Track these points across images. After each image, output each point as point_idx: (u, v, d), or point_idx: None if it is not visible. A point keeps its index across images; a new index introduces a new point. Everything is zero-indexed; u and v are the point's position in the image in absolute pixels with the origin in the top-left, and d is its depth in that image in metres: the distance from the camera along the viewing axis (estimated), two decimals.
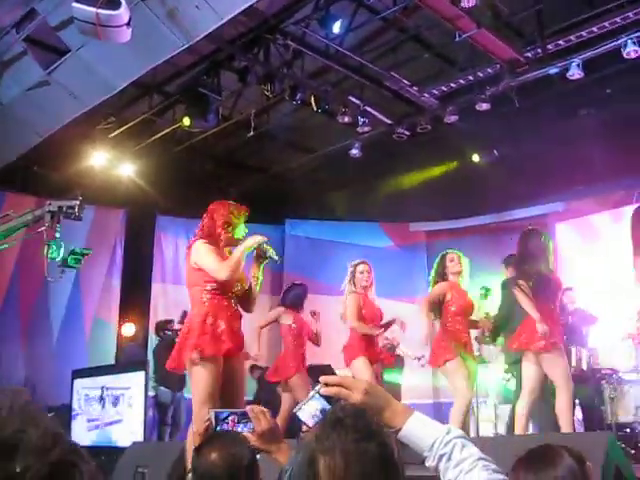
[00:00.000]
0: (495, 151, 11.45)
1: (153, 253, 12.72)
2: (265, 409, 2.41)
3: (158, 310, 12.23)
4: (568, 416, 5.77)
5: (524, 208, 11.59)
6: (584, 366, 7.57)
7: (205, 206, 12.38)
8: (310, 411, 1.81)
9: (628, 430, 7.40)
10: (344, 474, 1.33)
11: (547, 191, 11.10)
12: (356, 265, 7.05)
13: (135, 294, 12.38)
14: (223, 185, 12.57)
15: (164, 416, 9.82)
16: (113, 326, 12.16)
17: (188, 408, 10.11)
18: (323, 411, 1.78)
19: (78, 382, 9.41)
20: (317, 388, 1.80)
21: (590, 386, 7.72)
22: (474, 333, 7.15)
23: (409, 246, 12.87)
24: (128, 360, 11.25)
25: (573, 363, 7.55)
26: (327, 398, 1.79)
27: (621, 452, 4.16)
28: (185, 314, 10.13)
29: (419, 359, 8.82)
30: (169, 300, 12.47)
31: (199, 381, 4.68)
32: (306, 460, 1.38)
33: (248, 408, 2.44)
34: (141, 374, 8.47)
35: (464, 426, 6.22)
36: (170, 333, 9.95)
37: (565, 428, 5.70)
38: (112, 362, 11.41)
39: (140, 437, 7.96)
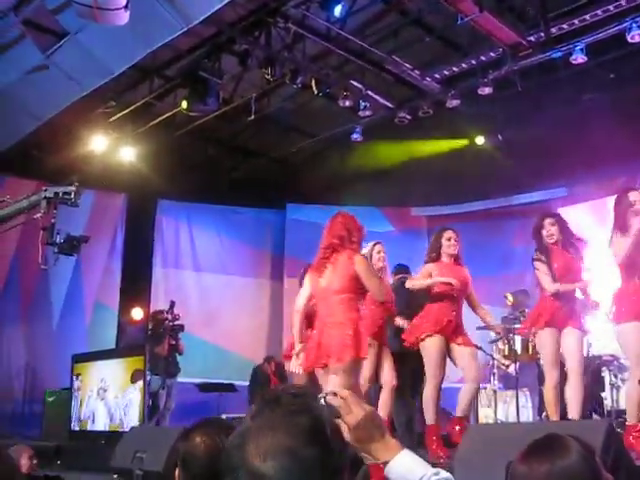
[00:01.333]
0: (499, 136, 11.40)
1: (154, 238, 12.71)
2: None
3: (159, 295, 12.22)
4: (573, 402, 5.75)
5: (527, 193, 11.54)
6: (584, 353, 7.55)
7: (206, 190, 12.42)
8: None
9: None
10: (270, 444, 1.35)
11: (550, 176, 11.05)
12: (374, 245, 6.88)
13: (136, 279, 12.38)
14: (224, 169, 12.55)
15: (156, 403, 9.83)
16: (114, 310, 12.16)
17: (179, 394, 10.22)
18: None
19: (79, 367, 9.41)
20: (325, 394, 1.80)
21: (590, 372, 7.71)
22: None
23: (410, 231, 12.82)
24: (128, 343, 11.29)
25: None
26: (330, 407, 1.77)
27: (620, 439, 4.13)
28: (173, 304, 10.21)
29: None
30: (170, 285, 12.48)
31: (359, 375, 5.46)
32: (238, 433, 1.42)
33: None
34: (141, 359, 8.48)
35: (436, 408, 6.15)
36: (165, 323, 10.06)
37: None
38: (113, 346, 11.42)
39: (139, 422, 7.98)
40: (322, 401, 1.78)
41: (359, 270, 5.26)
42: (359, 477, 3.56)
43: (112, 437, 7.55)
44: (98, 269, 12.15)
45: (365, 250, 6.79)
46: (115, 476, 6.11)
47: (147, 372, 9.15)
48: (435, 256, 6.38)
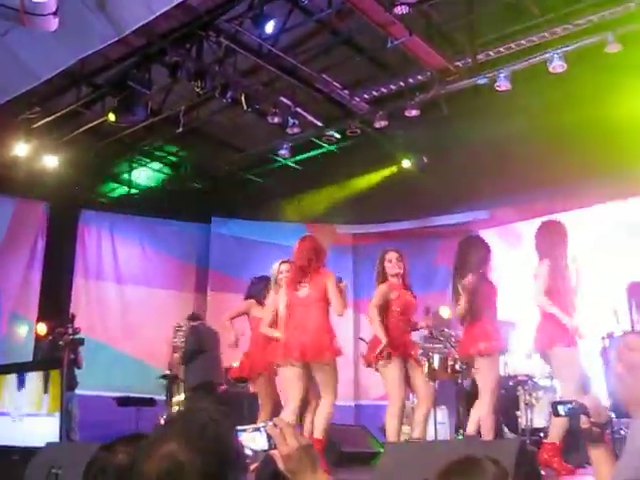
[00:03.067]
0: (424, 158, 11.60)
1: (76, 248, 12.45)
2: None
3: (79, 307, 11.95)
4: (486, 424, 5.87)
5: (450, 215, 11.76)
6: (501, 372, 7.72)
7: (130, 201, 12.20)
8: (250, 438, 1.87)
9: (542, 435, 7.56)
10: (160, 452, 1.49)
11: (473, 199, 11.28)
12: (280, 264, 7.08)
13: (56, 290, 12.07)
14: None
15: None
16: (31, 322, 11.83)
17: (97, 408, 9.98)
18: (259, 449, 1.84)
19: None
20: (266, 424, 1.87)
21: (506, 392, 7.89)
22: None
23: (335, 248, 12.89)
24: (44, 356, 10.97)
25: None
26: (269, 437, 1.84)
27: (531, 458, 4.25)
28: (74, 317, 10.01)
29: None
30: (91, 296, 12.24)
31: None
32: (143, 443, 1.58)
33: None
34: (57, 372, 8.25)
35: (398, 430, 6.22)
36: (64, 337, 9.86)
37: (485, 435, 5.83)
38: (29, 359, 11.11)
39: (55, 438, 7.76)
40: (262, 429, 1.84)
41: (329, 285, 6.24)
42: None
43: (26, 453, 7.33)
44: (16, 279, 11.81)
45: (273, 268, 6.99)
46: None
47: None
48: (382, 280, 6.54)
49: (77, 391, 10.10)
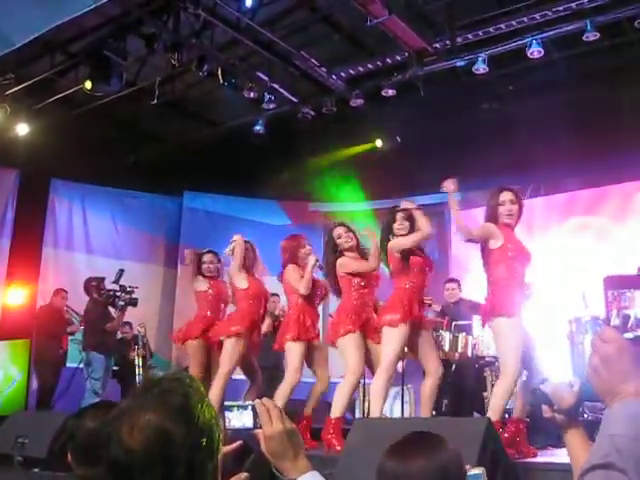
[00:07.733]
0: (398, 138, 11.61)
1: (46, 217, 12.30)
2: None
3: (48, 276, 11.85)
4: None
5: (422, 195, 11.77)
6: (469, 353, 7.81)
7: (102, 172, 12.07)
8: (237, 416, 1.89)
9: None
10: (139, 421, 1.45)
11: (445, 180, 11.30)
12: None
13: (25, 258, 11.92)
14: (122, 152, 12.29)
15: (96, 387, 8.76)
16: None
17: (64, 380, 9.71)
18: (244, 427, 1.85)
19: None
20: (254, 402, 1.86)
21: (473, 372, 8.00)
22: None
23: (307, 226, 12.88)
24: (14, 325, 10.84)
25: (459, 350, 7.80)
26: (255, 416, 1.85)
27: (497, 437, 4.31)
28: (122, 273, 9.46)
29: None
30: (60, 266, 12.12)
31: None
32: (117, 409, 1.52)
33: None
34: (26, 342, 8.23)
35: (349, 404, 6.25)
36: (104, 293, 9.22)
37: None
38: None
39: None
40: (250, 407, 1.85)
41: None
42: (248, 463, 3.63)
43: None
44: None
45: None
46: None
47: (81, 350, 8.60)
48: (338, 255, 6.48)
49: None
